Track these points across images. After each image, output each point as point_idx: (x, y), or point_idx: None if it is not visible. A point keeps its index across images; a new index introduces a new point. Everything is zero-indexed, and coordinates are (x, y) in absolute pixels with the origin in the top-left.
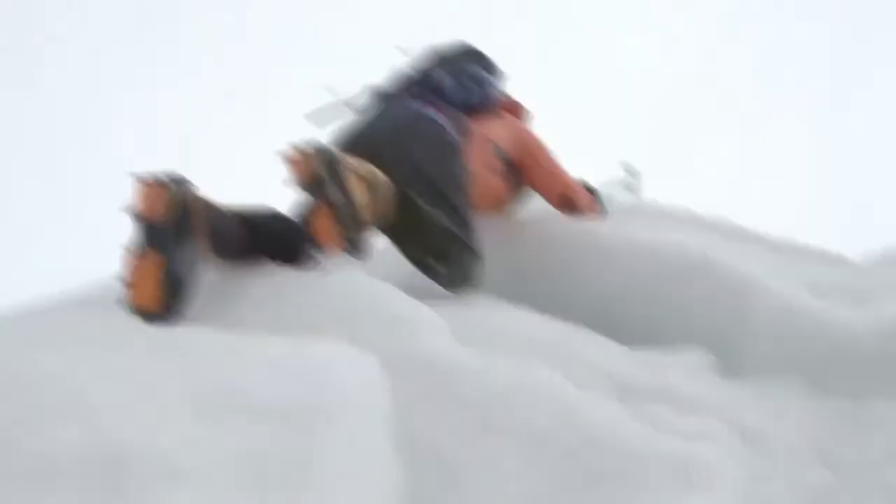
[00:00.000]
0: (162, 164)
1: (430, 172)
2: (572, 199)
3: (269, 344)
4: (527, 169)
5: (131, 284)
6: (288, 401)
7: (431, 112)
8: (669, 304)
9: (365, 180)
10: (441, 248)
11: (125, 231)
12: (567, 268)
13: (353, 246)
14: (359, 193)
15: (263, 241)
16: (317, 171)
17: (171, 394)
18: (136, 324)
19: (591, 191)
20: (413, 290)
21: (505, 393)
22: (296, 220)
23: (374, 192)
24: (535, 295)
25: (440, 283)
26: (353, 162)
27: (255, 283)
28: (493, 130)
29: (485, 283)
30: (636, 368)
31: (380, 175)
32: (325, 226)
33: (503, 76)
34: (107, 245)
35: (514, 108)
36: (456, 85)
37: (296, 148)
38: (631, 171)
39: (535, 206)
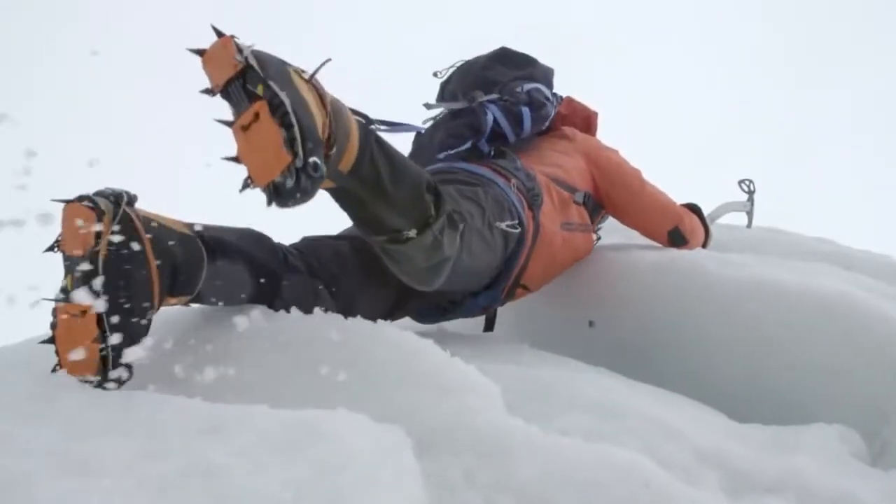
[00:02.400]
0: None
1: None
2: (683, 233)
3: (259, 414)
4: (619, 206)
5: (60, 345)
6: (282, 486)
7: (485, 172)
8: (801, 364)
9: (316, 91)
10: (421, 212)
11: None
12: (661, 313)
13: (305, 172)
14: (312, 103)
15: (240, 273)
16: (243, 56)
17: (132, 478)
18: (84, 391)
19: (697, 213)
20: (444, 339)
21: (572, 478)
22: (283, 248)
23: (336, 116)
24: (615, 349)
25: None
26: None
27: (231, 333)
28: (561, 164)
29: (545, 335)
30: (752, 450)
31: (343, 104)
32: (259, 133)
33: (553, 75)
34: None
35: (578, 116)
36: (506, 118)
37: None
38: (749, 190)
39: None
